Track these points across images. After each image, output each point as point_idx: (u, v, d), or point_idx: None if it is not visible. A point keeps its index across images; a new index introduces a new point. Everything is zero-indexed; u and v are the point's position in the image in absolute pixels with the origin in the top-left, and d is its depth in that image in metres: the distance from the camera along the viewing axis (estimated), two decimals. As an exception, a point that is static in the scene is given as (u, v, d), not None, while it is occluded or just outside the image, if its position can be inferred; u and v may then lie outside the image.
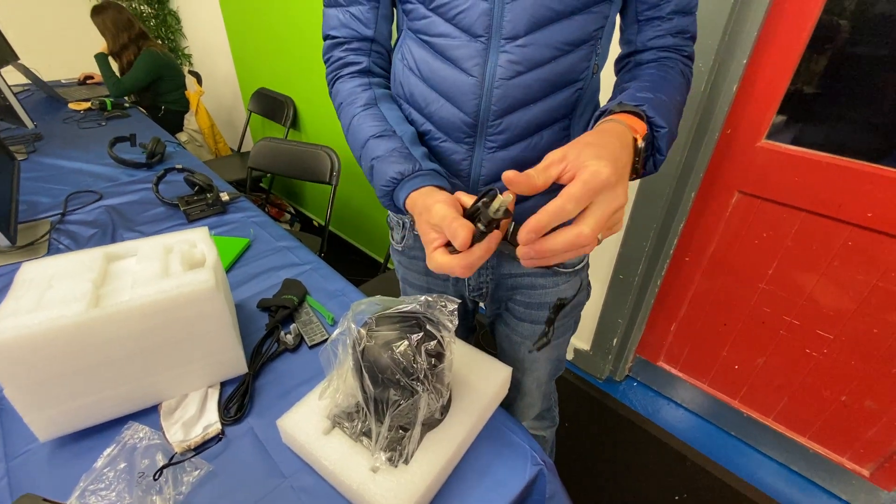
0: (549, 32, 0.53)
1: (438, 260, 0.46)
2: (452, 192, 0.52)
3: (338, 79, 0.65)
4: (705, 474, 1.37)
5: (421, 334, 0.55)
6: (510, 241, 0.45)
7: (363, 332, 0.55)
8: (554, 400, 1.00)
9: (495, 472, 0.62)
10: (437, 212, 0.46)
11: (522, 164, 0.59)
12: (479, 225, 0.43)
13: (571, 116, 0.59)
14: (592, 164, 0.38)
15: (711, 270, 1.34)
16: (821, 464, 1.32)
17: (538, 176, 0.39)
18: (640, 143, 0.45)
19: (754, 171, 1.15)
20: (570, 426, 1.49)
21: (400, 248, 0.80)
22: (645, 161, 0.49)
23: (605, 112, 0.50)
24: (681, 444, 1.45)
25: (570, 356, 1.73)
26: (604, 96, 0.64)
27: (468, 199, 0.49)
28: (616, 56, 0.65)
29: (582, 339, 1.68)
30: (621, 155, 0.41)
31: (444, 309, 0.55)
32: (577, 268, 0.73)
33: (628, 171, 0.42)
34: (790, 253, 1.17)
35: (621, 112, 0.48)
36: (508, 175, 0.38)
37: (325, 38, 0.65)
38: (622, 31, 0.62)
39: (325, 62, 0.66)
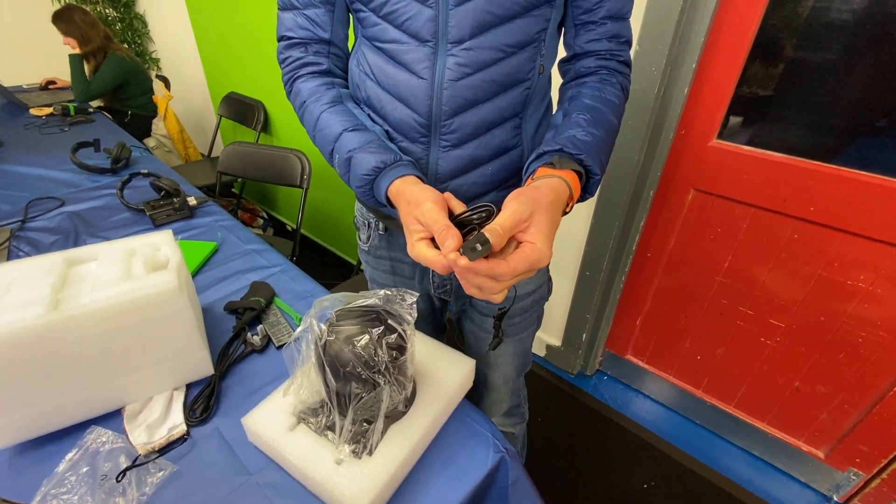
0: (493, 36, 0.56)
1: (423, 252, 0.47)
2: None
3: (297, 78, 0.65)
4: (672, 462, 1.42)
5: (381, 328, 0.57)
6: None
7: (325, 327, 0.56)
8: (523, 396, 1.03)
9: (459, 461, 0.64)
10: (427, 211, 0.48)
11: (476, 162, 0.62)
12: (479, 249, 0.44)
13: (522, 115, 0.62)
14: (541, 246, 0.44)
15: (672, 265, 1.39)
16: (779, 447, 1.39)
17: (504, 233, 0.44)
18: (569, 208, 0.53)
19: (707, 169, 1.21)
20: (544, 420, 1.53)
21: (366, 248, 0.82)
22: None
23: (547, 155, 0.54)
24: (649, 434, 1.50)
25: (541, 352, 1.77)
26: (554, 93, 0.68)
27: (456, 203, 0.51)
28: (559, 58, 0.68)
29: (553, 335, 1.72)
30: (557, 223, 0.48)
31: (403, 302, 0.57)
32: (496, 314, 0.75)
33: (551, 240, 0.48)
34: (743, 246, 1.23)
35: (565, 168, 0.52)
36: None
37: (281, 38, 0.66)
38: (563, 35, 0.65)
39: (281, 63, 0.67)
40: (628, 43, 0.63)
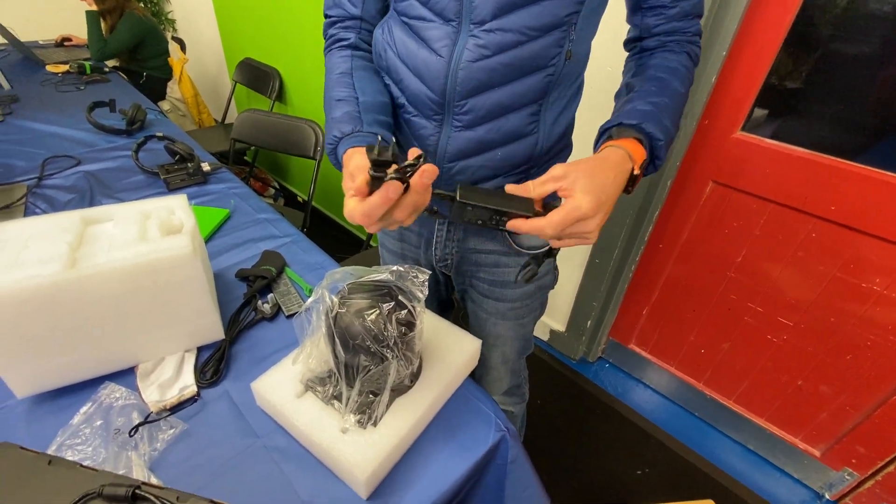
0: (516, 17, 0.54)
1: (347, 205, 0.47)
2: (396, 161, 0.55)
3: (329, 53, 0.69)
4: (667, 451, 1.44)
5: (392, 303, 0.58)
6: (455, 214, 0.51)
7: (336, 300, 0.57)
8: (524, 378, 1.04)
9: (460, 437, 0.65)
10: (354, 161, 0.50)
11: (486, 145, 0.62)
12: (372, 172, 0.42)
13: (542, 102, 0.61)
14: (578, 196, 0.47)
15: (683, 258, 1.38)
16: (776, 444, 1.40)
17: (535, 189, 0.50)
18: (636, 171, 0.52)
19: (728, 162, 1.18)
20: (543, 402, 1.55)
21: None
22: (645, 171, 0.56)
23: (608, 130, 0.56)
24: (646, 422, 1.52)
25: (545, 337, 1.78)
26: (608, 82, 0.66)
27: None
28: (625, 38, 0.68)
29: (557, 321, 1.72)
30: (610, 186, 0.49)
31: (415, 279, 0.57)
32: (541, 251, 0.75)
33: (613, 199, 0.50)
34: (758, 243, 1.22)
35: (623, 137, 0.54)
36: (509, 188, 0.50)
37: (325, 17, 0.70)
38: (628, 14, 0.64)
39: (324, 39, 0.71)
40: (699, 16, 0.62)
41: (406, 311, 0.58)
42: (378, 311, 0.57)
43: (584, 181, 0.48)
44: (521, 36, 0.55)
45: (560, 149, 0.69)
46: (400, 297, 0.59)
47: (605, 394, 1.62)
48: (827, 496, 1.34)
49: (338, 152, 0.58)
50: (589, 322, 1.59)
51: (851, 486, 1.30)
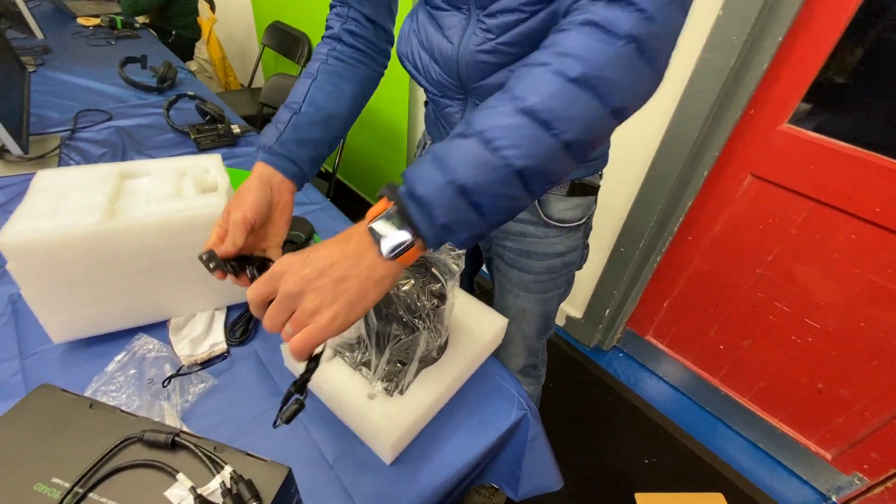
0: None
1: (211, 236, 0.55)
2: (296, 180, 0.60)
3: (321, 39, 0.70)
4: (676, 442, 1.44)
5: (427, 276, 0.57)
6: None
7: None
8: (542, 360, 1.04)
9: (483, 413, 0.66)
10: (234, 219, 0.52)
11: None
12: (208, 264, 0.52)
13: None
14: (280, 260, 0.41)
15: (712, 251, 1.35)
16: (787, 444, 1.39)
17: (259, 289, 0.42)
18: (370, 223, 0.40)
19: (770, 155, 1.14)
20: (554, 387, 1.56)
21: None
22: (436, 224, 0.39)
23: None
24: (657, 413, 1.52)
25: (561, 322, 1.78)
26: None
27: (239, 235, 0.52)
28: None
29: (575, 307, 1.71)
30: (323, 257, 0.39)
31: (451, 252, 0.57)
32: (571, 225, 0.74)
33: (326, 260, 0.39)
34: (793, 241, 1.18)
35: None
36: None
37: None
38: None
39: None
40: None
41: (440, 284, 0.58)
42: (412, 282, 0.56)
43: (297, 256, 0.41)
44: (520, 14, 0.52)
45: None
46: (434, 271, 0.59)
47: (617, 382, 1.62)
48: (833, 499, 1.34)
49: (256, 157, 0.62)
50: (607, 310, 1.58)
51: (860, 490, 1.29)
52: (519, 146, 0.36)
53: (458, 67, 0.58)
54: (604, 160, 0.74)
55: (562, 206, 0.71)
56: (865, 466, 1.26)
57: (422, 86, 0.67)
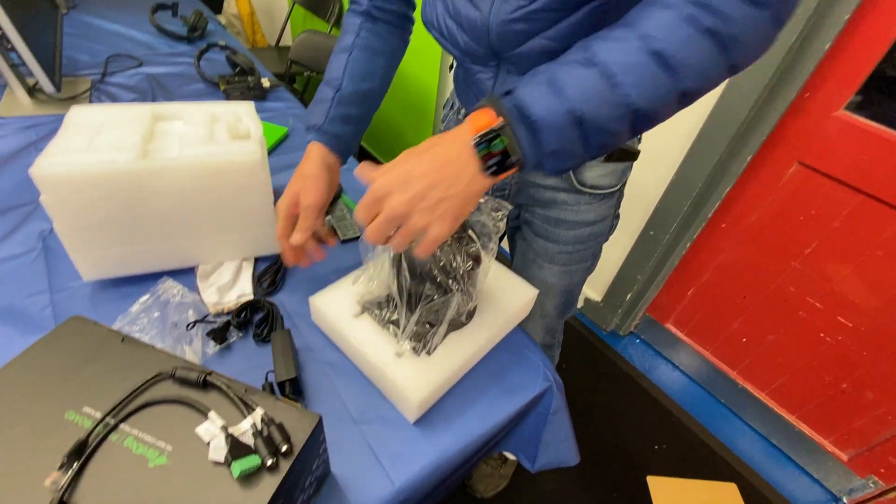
0: None
1: (280, 206, 0.62)
2: (343, 156, 0.67)
3: (347, 12, 0.70)
4: (687, 431, 1.43)
5: (464, 236, 0.55)
6: None
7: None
8: (557, 341, 1.02)
9: (508, 381, 0.65)
10: (309, 198, 0.59)
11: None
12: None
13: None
14: (377, 177, 0.41)
15: (746, 240, 1.30)
16: (802, 442, 1.37)
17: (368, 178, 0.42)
18: (474, 137, 0.40)
19: (821, 142, 1.08)
20: (567, 368, 1.55)
21: (441, 127, 0.85)
22: (528, 153, 0.40)
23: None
24: (670, 401, 1.51)
25: (579, 304, 1.75)
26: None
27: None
28: None
29: (595, 290, 1.69)
30: (425, 162, 0.40)
31: (493, 213, 0.54)
32: (604, 192, 0.70)
33: (432, 176, 0.40)
34: (834, 235, 1.13)
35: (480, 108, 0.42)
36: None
37: None
38: None
39: None
40: None
41: (476, 245, 0.56)
42: (449, 242, 0.54)
43: (391, 164, 0.41)
44: None
45: None
46: (471, 231, 0.57)
47: (631, 367, 1.60)
48: (845, 500, 1.32)
49: (306, 137, 0.67)
50: (629, 295, 1.55)
51: (873, 494, 1.27)
52: (640, 86, 0.37)
53: (489, 37, 0.54)
54: None
55: (598, 171, 0.67)
56: (882, 470, 1.23)
57: (449, 52, 0.64)
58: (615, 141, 0.40)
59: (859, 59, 0.98)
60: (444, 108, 0.84)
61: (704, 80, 0.38)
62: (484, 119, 0.40)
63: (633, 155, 0.68)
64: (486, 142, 0.39)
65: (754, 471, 1.36)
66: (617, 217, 0.79)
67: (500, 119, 0.39)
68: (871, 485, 1.27)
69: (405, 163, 0.41)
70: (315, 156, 0.64)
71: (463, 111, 0.76)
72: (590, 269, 0.84)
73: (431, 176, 0.40)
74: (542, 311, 0.88)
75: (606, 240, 0.80)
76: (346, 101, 0.66)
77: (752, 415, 1.46)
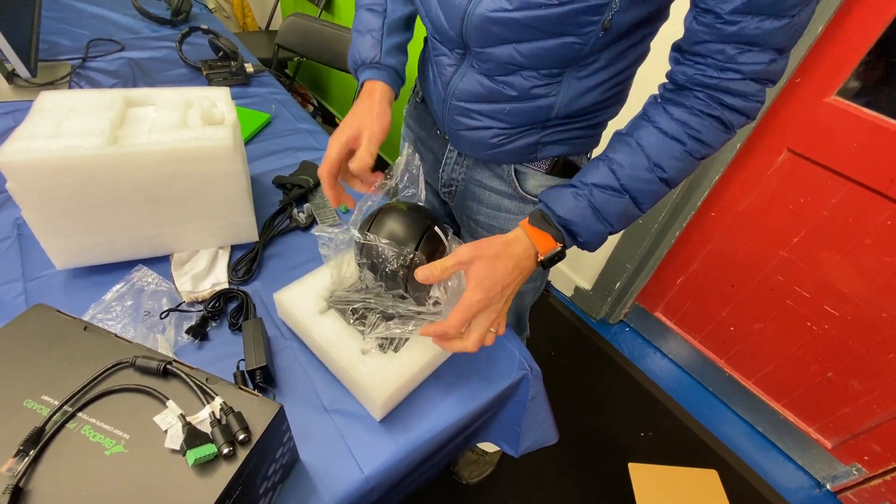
0: None
1: (333, 144, 0.58)
2: (396, 89, 0.63)
3: None
4: (673, 418, 1.44)
5: (425, 235, 0.55)
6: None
7: (370, 221, 0.54)
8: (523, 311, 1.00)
9: (485, 372, 0.64)
10: (375, 125, 0.58)
11: (495, 97, 0.58)
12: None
13: (565, 71, 0.53)
14: (469, 292, 0.47)
15: (734, 229, 1.30)
16: (787, 430, 1.38)
17: (441, 272, 0.48)
18: (541, 258, 0.52)
19: (812, 129, 1.06)
20: (556, 355, 1.55)
21: (407, 111, 0.83)
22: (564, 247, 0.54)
23: (539, 207, 0.54)
24: (657, 389, 1.51)
25: (568, 293, 1.75)
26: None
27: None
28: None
29: (584, 278, 1.68)
30: (507, 277, 0.49)
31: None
32: None
33: (512, 287, 0.50)
34: (823, 224, 1.12)
35: (539, 227, 0.52)
36: (419, 273, 0.48)
37: None
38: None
39: None
40: (771, 76, 0.46)
41: (442, 245, 0.55)
42: (412, 244, 0.54)
43: (482, 273, 0.48)
44: None
45: (592, 116, 0.62)
46: (436, 229, 0.56)
47: (619, 356, 1.61)
48: (828, 487, 1.34)
49: (359, 76, 0.63)
50: (618, 284, 1.54)
51: (856, 481, 1.28)
52: (652, 200, 0.53)
53: (464, 26, 0.52)
54: (595, 140, 0.67)
55: (540, 181, 0.67)
56: (866, 458, 1.24)
57: (423, 23, 0.61)
58: (631, 221, 0.55)
59: (853, 44, 0.96)
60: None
61: (684, 179, 0.54)
62: (547, 244, 0.52)
63: (576, 170, 0.67)
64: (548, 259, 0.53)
65: (740, 458, 1.37)
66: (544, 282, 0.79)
67: (559, 245, 0.53)
68: (855, 472, 1.28)
69: (492, 280, 0.48)
70: (376, 93, 0.60)
71: (421, 94, 0.75)
72: (540, 287, 0.83)
73: (510, 290, 0.50)
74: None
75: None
76: (396, 27, 0.62)
77: (738, 403, 1.47)
